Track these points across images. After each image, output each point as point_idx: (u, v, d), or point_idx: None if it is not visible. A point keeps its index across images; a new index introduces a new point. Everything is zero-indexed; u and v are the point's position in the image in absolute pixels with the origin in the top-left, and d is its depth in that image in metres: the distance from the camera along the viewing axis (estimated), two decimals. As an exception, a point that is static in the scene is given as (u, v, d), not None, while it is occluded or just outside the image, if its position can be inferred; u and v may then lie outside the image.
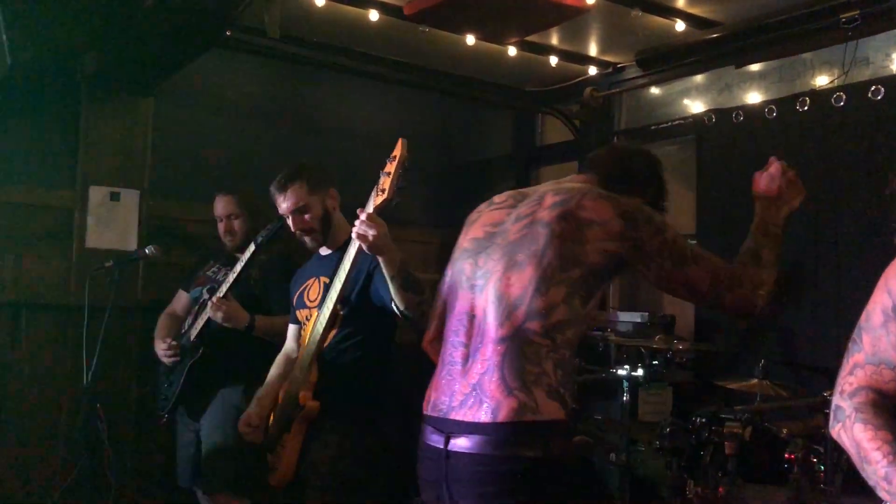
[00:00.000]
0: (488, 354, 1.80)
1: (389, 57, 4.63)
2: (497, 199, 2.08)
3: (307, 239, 2.83)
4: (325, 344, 2.65)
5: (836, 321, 3.41)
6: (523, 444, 1.73)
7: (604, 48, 4.59)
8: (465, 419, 1.79)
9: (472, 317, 1.89)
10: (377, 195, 2.37)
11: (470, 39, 4.22)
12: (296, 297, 2.91)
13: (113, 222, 4.00)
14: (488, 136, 5.59)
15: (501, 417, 1.73)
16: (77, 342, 3.77)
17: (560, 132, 5.35)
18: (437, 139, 5.29)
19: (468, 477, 1.78)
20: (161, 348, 3.47)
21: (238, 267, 3.25)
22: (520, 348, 1.78)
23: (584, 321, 1.86)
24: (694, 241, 4.20)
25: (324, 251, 2.88)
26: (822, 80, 3.87)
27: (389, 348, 2.78)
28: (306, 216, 2.76)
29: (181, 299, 3.69)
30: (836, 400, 1.51)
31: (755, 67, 4.19)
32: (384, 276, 2.42)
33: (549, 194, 1.94)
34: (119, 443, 3.81)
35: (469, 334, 1.88)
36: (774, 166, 2.06)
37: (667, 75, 4.52)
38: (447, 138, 5.34)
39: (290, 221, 2.81)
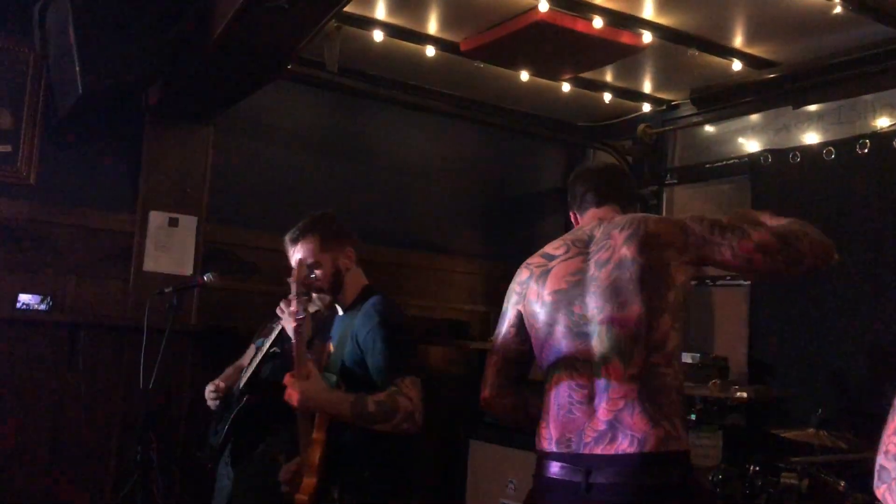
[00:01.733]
0: (623, 392, 1.91)
1: (444, 91, 4.68)
2: (555, 251, 2.14)
3: (317, 299, 2.62)
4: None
5: (894, 368, 3.33)
6: (670, 472, 1.87)
7: (658, 85, 4.59)
8: (607, 453, 1.89)
9: (585, 362, 1.98)
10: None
11: (524, 75, 4.25)
12: None
13: (171, 247, 4.10)
14: (540, 171, 5.60)
15: (649, 448, 1.85)
16: (132, 364, 3.86)
17: (612, 167, 5.34)
18: (488, 173, 5.32)
19: (619, 503, 1.87)
20: (208, 390, 3.37)
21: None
22: (652, 382, 1.91)
23: (685, 344, 2.01)
24: (748, 283, 4.15)
25: (341, 309, 2.68)
26: (883, 122, 3.81)
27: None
28: (316, 273, 2.57)
29: (251, 352, 3.56)
30: (881, 460, 1.47)
31: (813, 108, 4.14)
32: (371, 346, 2.36)
33: (614, 232, 2.04)
34: (168, 466, 3.86)
35: (588, 377, 1.97)
36: None
37: (722, 114, 4.50)
38: (499, 172, 5.36)
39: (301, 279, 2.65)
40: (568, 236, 2.17)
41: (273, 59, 3.27)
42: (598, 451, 1.90)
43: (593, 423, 1.93)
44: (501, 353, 2.20)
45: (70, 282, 3.96)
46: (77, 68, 3.08)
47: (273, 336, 3.27)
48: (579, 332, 2.00)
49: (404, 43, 3.99)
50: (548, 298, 2.08)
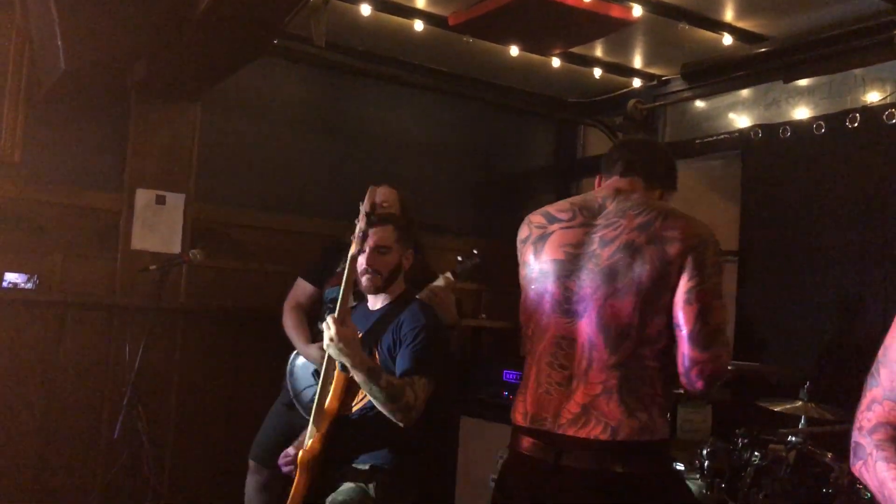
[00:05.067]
0: (602, 378, 1.88)
1: (433, 67, 4.65)
2: (559, 213, 2.05)
3: (367, 278, 2.78)
4: (355, 407, 2.67)
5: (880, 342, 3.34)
6: (643, 461, 1.85)
7: (649, 60, 4.56)
8: (579, 436, 1.86)
9: (570, 341, 1.94)
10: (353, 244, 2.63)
11: (514, 50, 4.22)
12: None
13: (158, 225, 4.07)
14: (530, 148, 5.58)
15: (623, 436, 1.83)
16: (120, 342, 3.86)
17: (602, 144, 5.31)
18: (478, 149, 5.29)
19: (583, 492, 1.86)
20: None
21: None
22: (635, 373, 1.87)
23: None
24: (736, 258, 4.16)
25: (371, 303, 2.87)
26: (873, 97, 3.79)
27: (431, 419, 2.72)
28: (385, 258, 2.77)
29: (305, 291, 3.57)
30: (856, 436, 1.48)
31: (804, 82, 4.13)
32: (409, 340, 2.58)
33: (630, 213, 1.95)
34: (158, 443, 3.86)
35: (569, 357, 1.94)
36: None
37: (713, 89, 4.48)
38: (488, 149, 5.34)
39: (366, 255, 2.77)
40: (577, 199, 2.08)
41: (260, 33, 3.24)
42: (571, 433, 1.88)
43: (569, 406, 1.91)
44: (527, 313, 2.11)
45: (57, 260, 3.93)
46: (59, 44, 3.04)
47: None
48: (569, 308, 1.95)
49: (392, 17, 3.95)
50: (543, 266, 2.01)
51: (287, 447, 3.35)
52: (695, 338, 1.85)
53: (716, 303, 1.89)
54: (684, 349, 1.86)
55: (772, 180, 4.05)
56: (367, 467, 2.66)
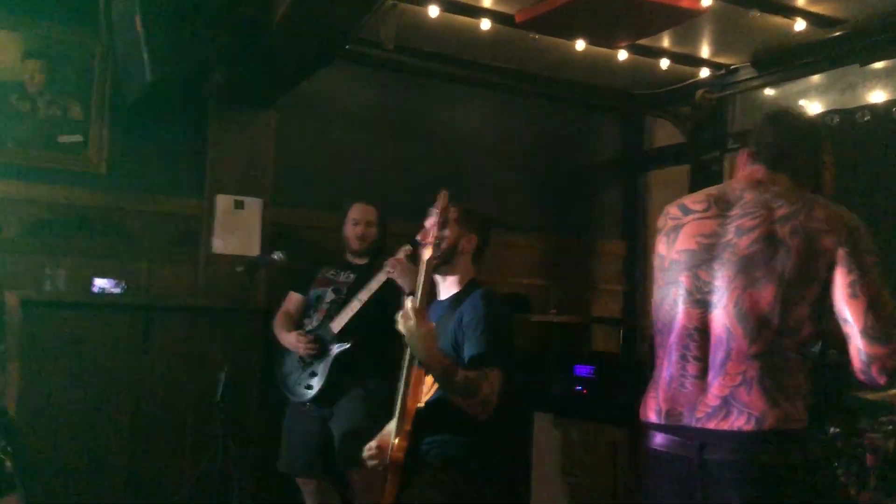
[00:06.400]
0: (742, 368, 1.84)
1: (499, 65, 4.68)
2: (694, 204, 2.01)
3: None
4: (428, 396, 2.59)
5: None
6: (790, 450, 1.81)
7: (717, 50, 4.51)
8: (721, 428, 1.83)
9: (703, 332, 1.91)
10: (425, 249, 2.47)
11: (580, 45, 4.22)
12: None
13: (237, 229, 4.19)
14: (595, 142, 5.56)
15: (768, 425, 1.79)
16: (204, 343, 4.00)
17: (669, 136, 5.28)
18: (544, 145, 5.30)
19: (730, 485, 1.82)
20: (301, 341, 3.61)
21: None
22: (776, 363, 1.83)
23: (822, 335, 1.90)
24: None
25: (441, 292, 2.82)
26: (955, 78, 3.70)
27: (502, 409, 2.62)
28: (445, 233, 2.70)
29: (293, 300, 3.86)
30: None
31: (880, 65, 4.04)
32: (473, 331, 2.49)
33: (772, 204, 1.90)
34: (241, 441, 3.96)
35: (703, 349, 1.90)
36: None
37: (784, 76, 4.40)
38: (554, 144, 5.34)
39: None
40: (713, 191, 2.03)
41: (334, 38, 3.31)
42: (712, 426, 1.84)
43: (706, 399, 1.87)
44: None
45: (142, 266, 4.09)
46: (146, 56, 3.15)
47: (375, 286, 3.51)
48: (701, 299, 1.91)
49: (459, 17, 3.99)
50: (675, 256, 1.97)
51: (315, 450, 3.54)
52: (870, 333, 1.79)
53: (883, 293, 1.82)
54: (859, 345, 1.80)
55: (850, 166, 3.96)
56: (439, 462, 2.59)
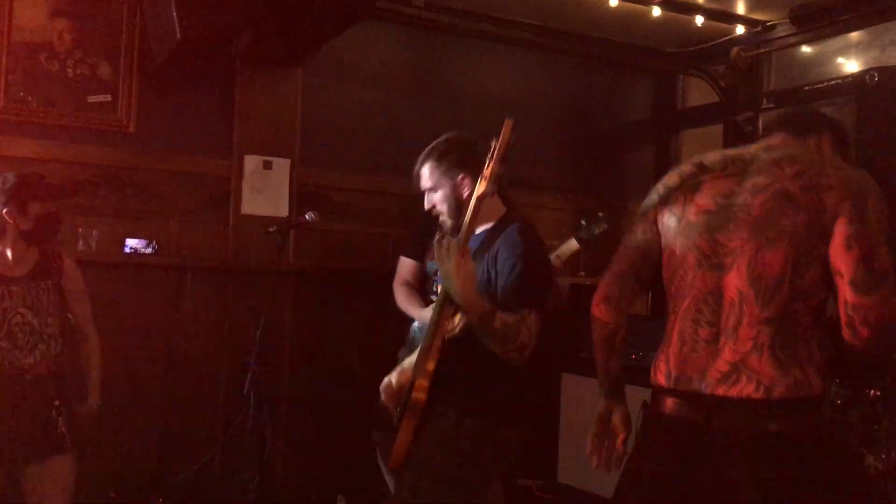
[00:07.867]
0: (753, 333, 1.82)
1: (530, 22, 4.59)
2: (711, 164, 1.98)
3: (441, 220, 2.67)
4: (452, 334, 2.42)
5: None
6: (799, 420, 1.78)
7: (752, 5, 4.40)
8: (730, 395, 1.81)
9: (717, 296, 1.88)
10: (480, 183, 2.30)
11: (613, 1, 4.13)
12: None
13: (266, 190, 4.19)
14: (628, 101, 5.47)
15: (778, 394, 1.77)
16: (235, 303, 4.03)
17: (703, 94, 5.17)
18: (575, 104, 5.22)
19: (736, 454, 1.80)
20: None
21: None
22: (788, 328, 1.80)
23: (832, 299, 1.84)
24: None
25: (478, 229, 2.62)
26: None
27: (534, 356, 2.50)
28: (434, 196, 2.63)
29: (408, 268, 3.59)
30: None
31: (924, 21, 3.91)
32: (509, 271, 2.34)
33: (783, 163, 1.87)
34: (273, 401, 4.00)
35: (716, 314, 1.88)
36: None
37: (822, 32, 4.28)
38: (585, 103, 5.26)
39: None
40: (730, 151, 2.00)
41: (362, -4, 3.25)
42: (721, 392, 1.82)
43: (717, 364, 1.84)
44: (634, 260, 2.05)
45: (173, 226, 4.10)
46: (174, 14, 3.13)
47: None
48: (717, 262, 1.88)
49: (489, -27, 3.92)
50: (692, 218, 1.93)
51: None
52: (856, 283, 1.74)
53: (881, 249, 1.77)
54: (846, 296, 1.76)
55: (892, 126, 3.86)
56: (453, 417, 2.44)
